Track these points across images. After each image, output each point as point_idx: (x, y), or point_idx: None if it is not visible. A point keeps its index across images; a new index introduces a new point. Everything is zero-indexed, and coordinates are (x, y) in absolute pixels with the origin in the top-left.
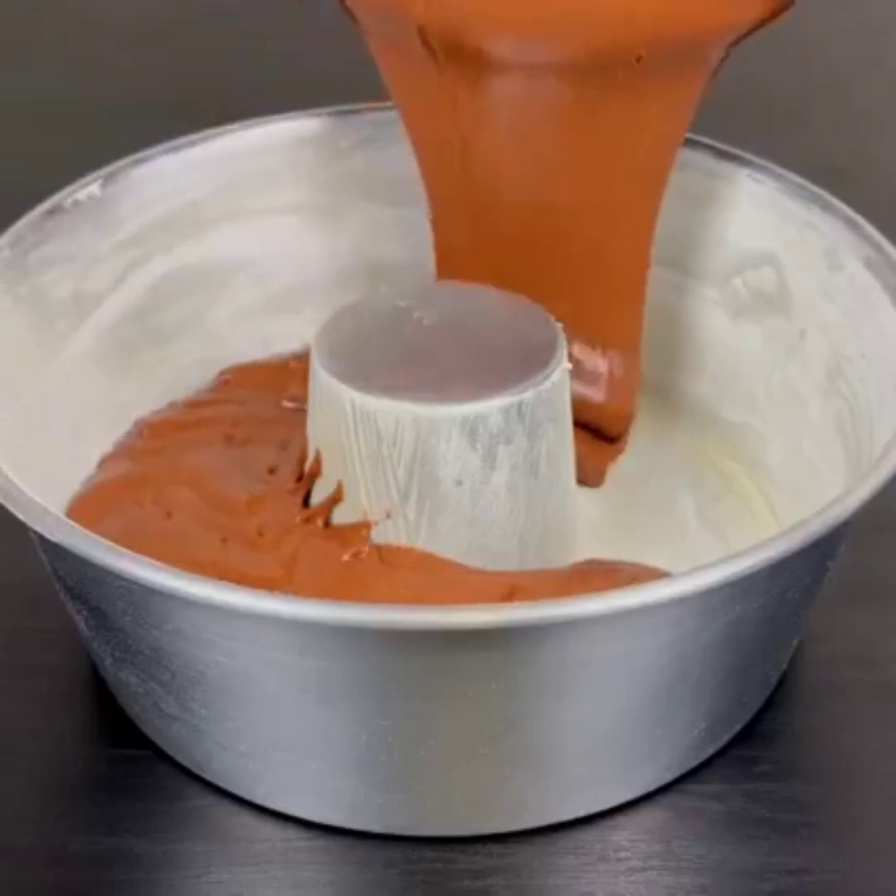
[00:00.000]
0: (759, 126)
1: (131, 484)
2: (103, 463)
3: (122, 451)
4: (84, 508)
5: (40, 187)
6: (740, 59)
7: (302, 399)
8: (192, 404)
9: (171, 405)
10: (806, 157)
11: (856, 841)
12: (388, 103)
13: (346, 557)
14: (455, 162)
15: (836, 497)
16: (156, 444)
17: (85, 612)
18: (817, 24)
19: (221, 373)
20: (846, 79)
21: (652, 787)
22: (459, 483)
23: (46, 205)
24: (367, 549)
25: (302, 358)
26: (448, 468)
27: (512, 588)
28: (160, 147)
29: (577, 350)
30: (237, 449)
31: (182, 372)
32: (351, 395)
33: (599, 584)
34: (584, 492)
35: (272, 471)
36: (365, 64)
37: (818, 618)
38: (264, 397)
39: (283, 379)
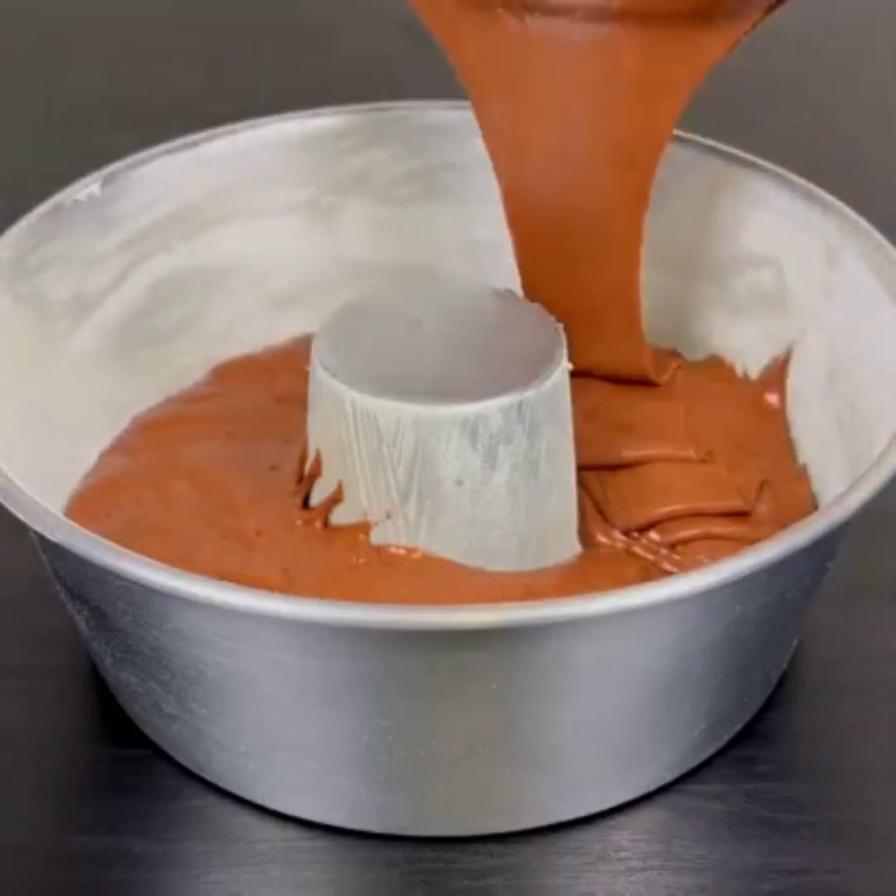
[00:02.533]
0: (756, 125)
1: (130, 480)
2: (102, 460)
3: (121, 448)
4: (83, 506)
5: (40, 187)
6: (737, 61)
7: (291, 396)
8: (189, 399)
9: (169, 400)
10: (802, 155)
11: (856, 841)
12: (387, 104)
13: (346, 558)
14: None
15: (836, 497)
16: (154, 438)
17: (85, 612)
18: (810, 22)
19: (215, 369)
20: (837, 77)
21: (652, 787)
22: (460, 483)
23: (46, 205)
24: (367, 549)
25: (289, 353)
26: (448, 468)
27: (519, 589)
28: (160, 147)
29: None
30: (238, 445)
31: (182, 371)
32: (351, 395)
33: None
34: None
35: (274, 468)
36: (364, 64)
37: (818, 618)
38: (260, 392)
39: (275, 373)
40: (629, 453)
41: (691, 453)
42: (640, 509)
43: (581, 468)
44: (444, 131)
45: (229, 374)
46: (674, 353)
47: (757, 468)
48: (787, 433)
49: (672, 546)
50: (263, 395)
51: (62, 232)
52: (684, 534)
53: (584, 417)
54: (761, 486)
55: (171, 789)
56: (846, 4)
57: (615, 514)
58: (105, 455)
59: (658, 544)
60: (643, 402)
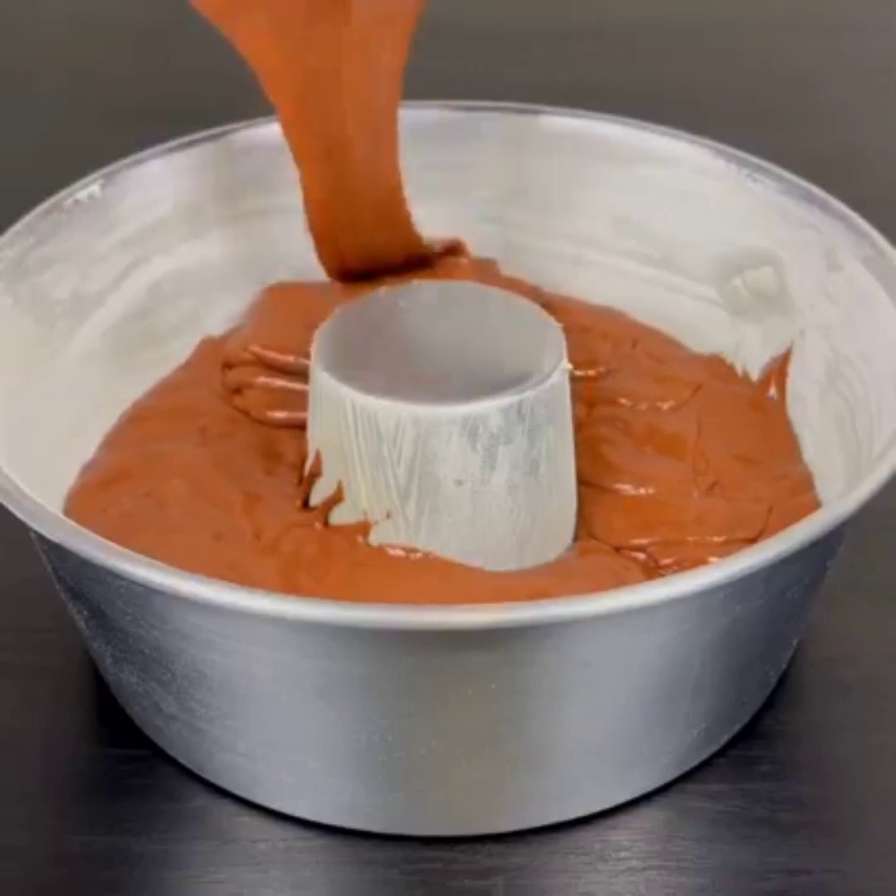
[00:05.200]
0: (757, 125)
1: (123, 477)
2: (97, 456)
3: (110, 443)
4: (79, 505)
5: (40, 187)
6: (737, 63)
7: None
8: (169, 388)
9: (147, 394)
10: (802, 155)
11: (856, 841)
12: None
13: (346, 559)
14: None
15: (836, 497)
16: (140, 434)
17: (85, 612)
18: (811, 23)
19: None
20: (837, 78)
21: (652, 787)
22: (459, 483)
23: (46, 205)
24: (367, 549)
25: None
26: (448, 468)
27: (519, 588)
28: (160, 147)
29: None
30: (217, 442)
31: None
32: (351, 396)
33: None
34: None
35: (268, 471)
36: None
37: (818, 618)
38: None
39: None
40: (626, 488)
41: (694, 494)
42: (624, 535)
43: (579, 482)
44: (444, 131)
45: (203, 355)
46: (693, 373)
47: (763, 480)
48: (790, 436)
49: (661, 566)
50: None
51: (62, 232)
52: (675, 558)
53: (588, 435)
54: (769, 510)
55: (171, 789)
56: (847, 5)
57: (600, 530)
58: (99, 451)
59: (643, 561)
60: (657, 426)
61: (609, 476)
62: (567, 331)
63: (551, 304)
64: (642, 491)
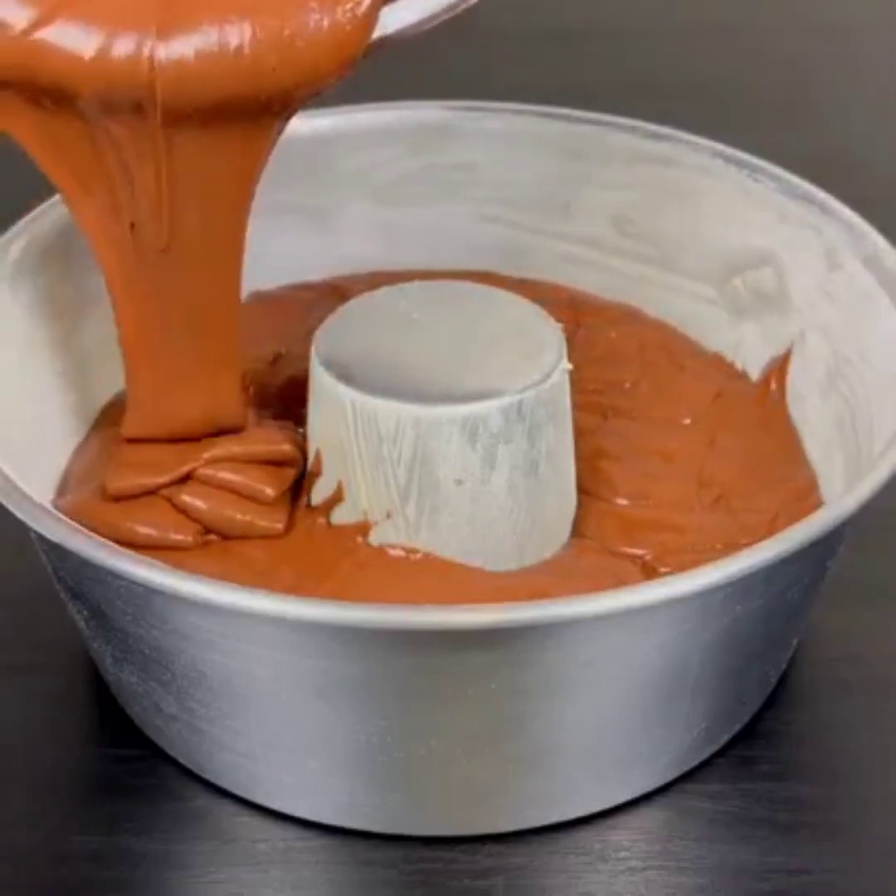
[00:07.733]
0: (756, 126)
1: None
2: (88, 450)
3: (99, 439)
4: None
5: (41, 187)
6: (737, 64)
7: None
8: None
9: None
10: (801, 156)
11: (856, 841)
12: (387, 104)
13: (346, 558)
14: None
15: (836, 497)
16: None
17: (85, 612)
18: (810, 24)
19: None
20: (836, 79)
21: (652, 787)
22: (459, 483)
23: (47, 204)
24: (367, 549)
25: None
26: (448, 468)
27: (519, 588)
28: None
29: None
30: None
31: None
32: (351, 396)
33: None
34: None
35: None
36: (365, 64)
37: (818, 618)
38: None
39: None
40: (623, 502)
41: (696, 508)
42: (617, 542)
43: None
44: (444, 131)
45: None
46: (710, 378)
47: (768, 486)
48: (794, 437)
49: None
50: None
51: (63, 232)
52: (672, 566)
53: (593, 445)
54: (774, 518)
55: (171, 789)
56: (847, 5)
57: (593, 535)
58: (90, 447)
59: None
60: (669, 440)
61: (606, 489)
62: (594, 339)
63: (580, 306)
64: (641, 503)
